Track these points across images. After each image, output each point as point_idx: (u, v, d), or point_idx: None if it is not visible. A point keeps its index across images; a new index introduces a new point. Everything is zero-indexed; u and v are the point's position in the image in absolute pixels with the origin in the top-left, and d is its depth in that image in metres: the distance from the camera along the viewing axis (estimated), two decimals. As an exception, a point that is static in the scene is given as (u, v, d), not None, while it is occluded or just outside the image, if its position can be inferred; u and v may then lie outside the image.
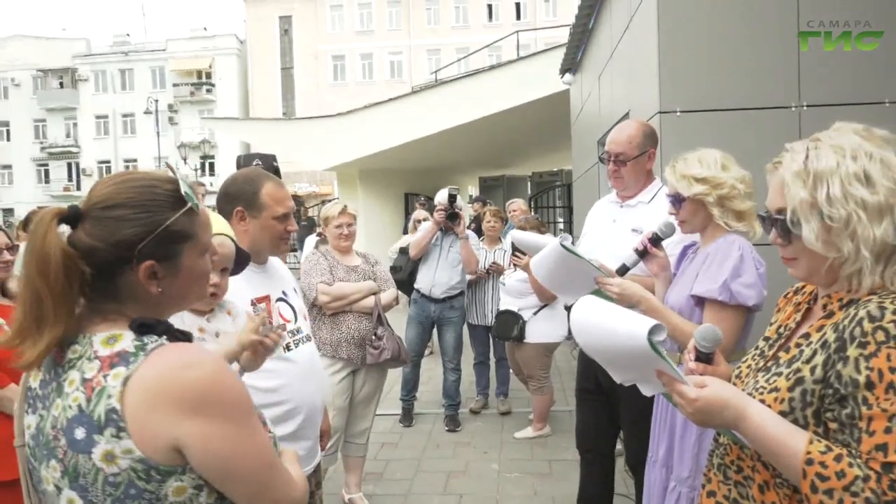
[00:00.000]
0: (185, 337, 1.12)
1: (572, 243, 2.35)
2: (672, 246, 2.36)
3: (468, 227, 5.31)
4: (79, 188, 40.67)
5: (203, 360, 1.03)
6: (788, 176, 1.21)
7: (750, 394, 1.26)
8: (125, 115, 40.65)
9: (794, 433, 1.14)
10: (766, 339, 1.41)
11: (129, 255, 1.05)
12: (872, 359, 1.09)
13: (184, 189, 1.11)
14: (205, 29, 42.43)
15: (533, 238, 2.83)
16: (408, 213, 12.91)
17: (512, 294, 4.92)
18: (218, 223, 1.72)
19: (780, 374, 1.23)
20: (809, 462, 1.09)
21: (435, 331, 5.42)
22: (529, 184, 17.64)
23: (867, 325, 1.11)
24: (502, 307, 5.03)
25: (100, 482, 0.99)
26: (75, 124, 41.51)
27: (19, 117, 41.36)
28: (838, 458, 1.08)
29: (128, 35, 43.73)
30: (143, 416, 0.98)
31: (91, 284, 1.06)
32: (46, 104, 40.91)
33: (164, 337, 1.08)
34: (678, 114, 3.20)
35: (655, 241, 2.26)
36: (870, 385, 1.08)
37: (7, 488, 2.34)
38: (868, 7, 2.96)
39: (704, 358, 1.37)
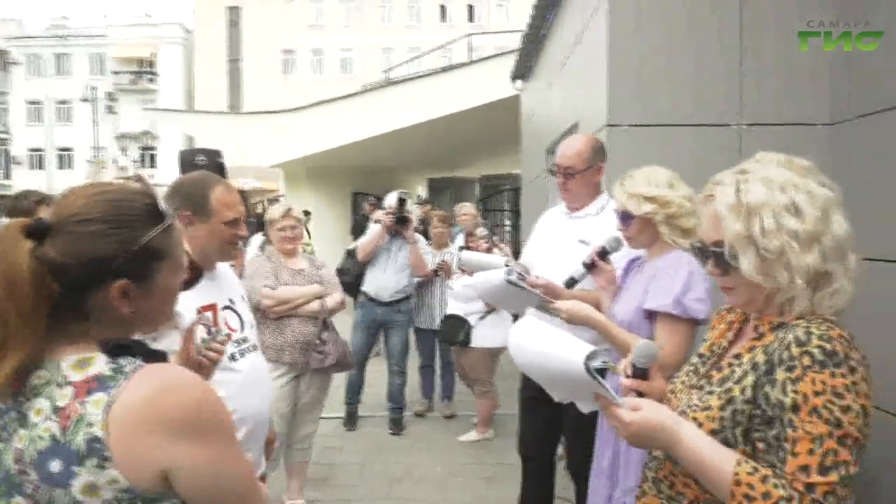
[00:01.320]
0: (160, 357, 1.06)
1: (512, 273, 2.43)
2: (617, 259, 2.41)
3: (416, 230, 5.30)
4: (8, 177, 38.72)
5: (187, 382, 0.99)
6: (723, 209, 1.25)
7: (683, 411, 1.29)
8: (60, 102, 38.92)
9: (724, 455, 1.19)
10: (700, 355, 1.44)
11: (103, 273, 0.99)
12: (799, 383, 1.13)
13: (161, 204, 1.06)
14: (148, 16, 41.10)
15: (481, 258, 2.88)
16: (355, 213, 12.80)
17: (459, 299, 4.93)
18: None
19: (712, 394, 1.27)
20: (738, 483, 1.14)
21: (381, 334, 5.39)
22: (478, 186, 17.78)
23: (794, 350, 1.15)
24: (449, 311, 5.05)
25: None
26: (5, 109, 39.51)
27: (-56, 99, 39.10)
28: (764, 480, 1.13)
29: (65, 18, 41.92)
30: (129, 442, 0.92)
31: (58, 303, 0.98)
32: (-26, 87, 38.79)
33: (140, 358, 1.02)
34: (626, 127, 3.28)
35: (603, 254, 2.31)
36: (795, 408, 1.13)
37: None
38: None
39: (640, 373, 1.40)
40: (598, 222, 2.66)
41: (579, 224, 2.73)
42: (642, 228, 2.14)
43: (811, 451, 1.11)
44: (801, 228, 1.19)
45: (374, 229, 5.16)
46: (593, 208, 2.74)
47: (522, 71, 7.44)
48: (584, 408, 1.58)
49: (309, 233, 6.72)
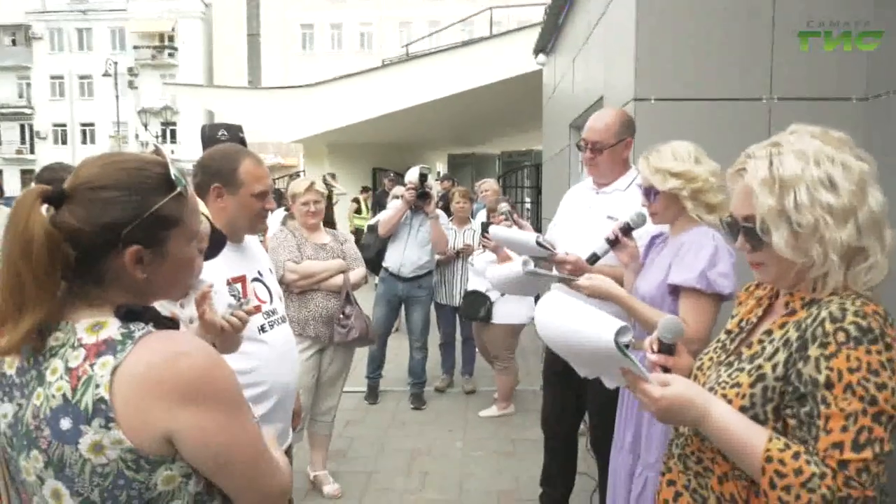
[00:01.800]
0: (172, 324, 1.09)
1: (529, 264, 2.42)
2: (639, 235, 2.39)
3: (437, 206, 5.29)
4: (32, 151, 39.25)
5: (194, 348, 1.01)
6: (755, 184, 1.22)
7: (712, 387, 1.29)
8: (82, 77, 39.20)
9: (755, 431, 1.18)
10: (728, 332, 1.43)
11: (115, 238, 1.02)
12: (833, 359, 1.12)
13: (173, 173, 1.08)
14: (168, -10, 40.98)
15: (510, 234, 2.84)
16: (376, 189, 12.81)
17: (480, 274, 4.93)
18: None
19: (742, 370, 1.25)
20: (769, 460, 1.13)
21: (402, 309, 5.42)
22: (499, 163, 17.65)
23: (829, 326, 1.14)
24: (470, 287, 5.05)
25: (87, 473, 0.97)
26: (29, 84, 39.89)
27: (-32, 75, 39.53)
28: (796, 456, 1.12)
29: (86, -8, 41.97)
30: (133, 405, 0.96)
31: (74, 268, 1.02)
32: (-2, 62, 39.17)
33: (151, 324, 1.05)
34: (653, 101, 3.21)
35: (626, 230, 2.29)
36: (829, 385, 1.12)
37: None
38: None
39: (666, 349, 1.39)
40: (627, 197, 2.63)
41: (608, 199, 2.70)
42: (667, 204, 2.12)
43: (844, 428, 1.10)
44: (836, 202, 1.17)
45: (395, 204, 5.15)
46: (622, 183, 2.71)
47: (545, 45, 7.32)
48: (611, 383, 1.60)
49: (330, 199, 6.48)
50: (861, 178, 1.19)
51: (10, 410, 1.04)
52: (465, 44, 12.24)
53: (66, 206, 1.01)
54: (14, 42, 39.66)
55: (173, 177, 1.07)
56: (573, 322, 1.45)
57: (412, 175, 5.07)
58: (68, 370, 0.98)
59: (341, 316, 3.63)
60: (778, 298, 1.37)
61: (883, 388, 1.10)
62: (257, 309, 1.81)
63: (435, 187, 10.15)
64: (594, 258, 2.33)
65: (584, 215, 2.77)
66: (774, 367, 1.20)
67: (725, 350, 1.39)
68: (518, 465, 4.09)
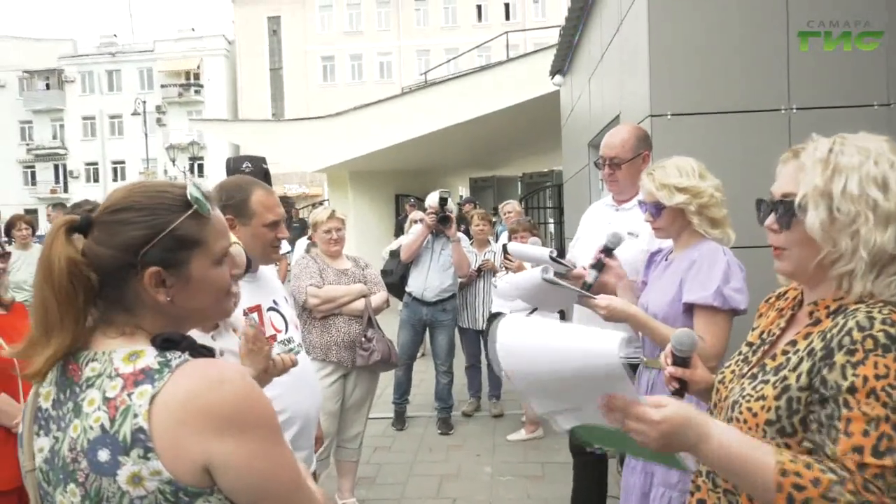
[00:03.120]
0: (208, 352, 1.07)
1: (548, 271, 2.35)
2: (636, 253, 2.44)
3: (458, 230, 5.30)
4: (66, 190, 40.36)
5: (233, 376, 0.99)
6: (809, 161, 1.21)
7: (736, 400, 1.25)
8: (112, 117, 40.38)
9: (759, 446, 1.13)
10: (750, 344, 1.40)
11: (132, 259, 1.02)
12: (860, 366, 1.08)
13: (191, 192, 1.07)
14: (193, 29, 42.27)
15: (525, 249, 2.83)
16: (398, 215, 12.89)
17: (503, 297, 4.90)
18: None
19: (766, 382, 1.22)
20: (784, 473, 1.07)
21: (427, 334, 5.41)
22: (520, 184, 17.67)
23: (857, 335, 1.10)
24: (494, 309, 5.03)
25: None
26: (62, 126, 41.20)
27: (5, 119, 40.99)
28: (809, 466, 1.08)
29: (115, 36, 43.47)
30: (172, 435, 0.94)
31: (100, 293, 1.03)
32: (32, 105, 40.58)
33: (187, 353, 1.03)
34: (669, 117, 3.20)
35: (607, 252, 2.30)
36: (852, 389, 1.08)
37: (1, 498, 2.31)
38: (868, 7, 2.95)
39: (681, 362, 1.36)
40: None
41: (628, 216, 2.68)
42: (672, 219, 2.12)
43: (865, 433, 1.06)
44: (883, 203, 1.15)
45: (416, 229, 5.18)
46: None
47: (561, 66, 7.36)
48: (563, 423, 1.31)
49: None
50: None
51: (47, 444, 1.02)
52: (483, 68, 12.34)
53: (92, 232, 1.03)
54: (48, 86, 41.09)
55: (189, 196, 1.06)
56: (558, 341, 1.17)
57: (432, 199, 5.10)
58: (106, 400, 0.97)
59: (363, 339, 3.64)
60: (801, 309, 1.33)
61: None
62: (272, 339, 1.83)
63: (455, 211, 10.17)
64: (587, 287, 2.30)
65: (604, 232, 2.74)
66: (798, 378, 1.17)
67: (748, 362, 1.36)
68: (548, 489, 4.02)
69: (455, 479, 4.27)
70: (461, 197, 14.76)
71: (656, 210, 2.13)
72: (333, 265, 3.73)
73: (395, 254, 5.44)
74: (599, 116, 4.93)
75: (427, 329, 5.28)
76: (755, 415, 1.19)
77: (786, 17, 3.14)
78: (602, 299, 2.17)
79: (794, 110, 3.15)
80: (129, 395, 0.96)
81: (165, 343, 1.02)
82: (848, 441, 1.07)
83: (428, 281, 5.09)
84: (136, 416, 0.94)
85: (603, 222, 2.79)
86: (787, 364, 1.22)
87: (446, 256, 5.09)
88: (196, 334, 1.70)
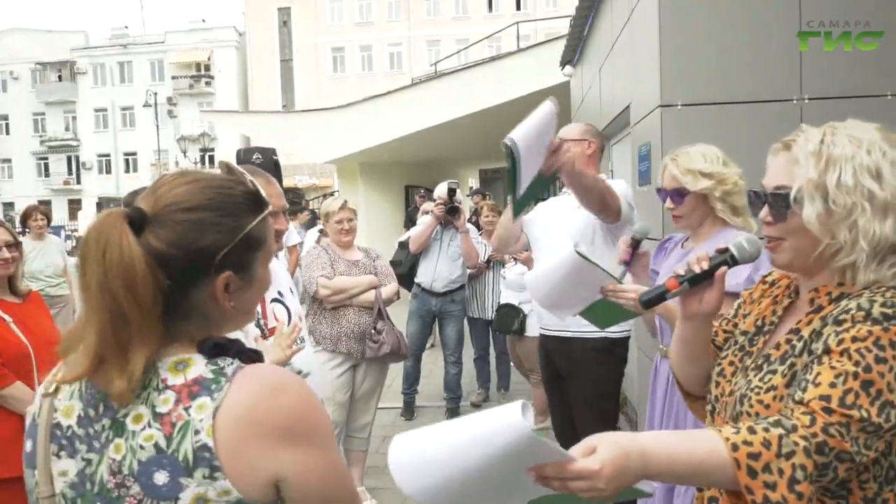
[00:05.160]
0: (257, 357, 0.99)
1: (580, 246, 2.33)
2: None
3: (468, 221, 5.31)
4: (78, 182, 40.69)
5: (290, 383, 0.94)
6: (802, 154, 1.20)
7: (745, 394, 1.22)
8: (124, 109, 40.58)
9: (700, 437, 1.07)
10: (745, 332, 1.37)
11: (208, 264, 0.93)
12: (843, 333, 1.09)
13: (261, 191, 1.01)
14: (203, 21, 42.33)
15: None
16: (408, 206, 12.90)
17: (513, 287, 4.91)
18: None
19: (774, 372, 1.20)
20: (735, 448, 1.01)
21: (436, 324, 5.43)
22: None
23: (854, 313, 1.10)
24: (503, 301, 5.04)
25: None
26: (74, 118, 41.46)
27: (18, 111, 41.31)
28: (752, 431, 1.03)
29: (126, 28, 43.60)
30: (239, 451, 0.87)
31: (165, 299, 0.91)
32: (45, 97, 40.84)
33: (237, 359, 0.95)
34: (679, 107, 3.19)
35: (635, 245, 2.21)
36: (828, 350, 1.09)
37: (8, 485, 2.35)
38: (868, 7, 2.95)
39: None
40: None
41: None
42: (695, 206, 2.09)
43: (833, 384, 1.04)
44: (879, 193, 1.14)
45: (425, 220, 5.19)
46: None
47: (571, 56, 7.33)
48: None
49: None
50: None
51: (73, 467, 0.93)
52: (493, 59, 12.30)
53: (149, 230, 0.91)
54: (60, 78, 41.33)
55: (261, 195, 1.00)
56: (457, 437, 1.02)
57: (441, 190, 5.10)
58: (157, 416, 0.88)
59: (373, 331, 3.66)
60: (798, 297, 1.32)
61: (881, 362, 1.04)
62: (272, 331, 1.87)
63: (466, 202, 10.16)
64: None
65: (557, 212, 2.97)
66: (803, 362, 1.16)
67: (747, 353, 1.33)
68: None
69: (464, 468, 4.29)
70: (471, 188, 14.74)
71: (679, 197, 2.10)
72: (345, 256, 3.74)
73: (403, 245, 5.46)
74: (610, 107, 4.91)
75: (436, 320, 5.30)
76: (768, 407, 1.17)
77: (798, 7, 3.11)
78: (631, 288, 2.14)
79: (807, 100, 3.13)
80: (185, 409, 0.88)
81: (215, 348, 0.94)
82: (815, 390, 1.06)
83: (437, 272, 5.10)
84: (197, 432, 0.86)
85: (557, 205, 3.02)
86: (792, 351, 1.21)
87: (455, 247, 5.09)
88: None
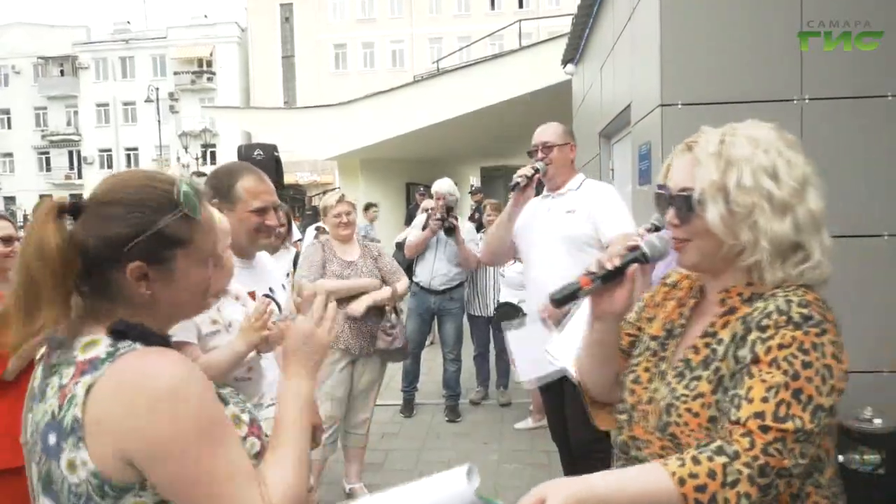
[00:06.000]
0: (162, 342, 1.07)
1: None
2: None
3: (469, 219, 5.32)
4: (80, 176, 40.66)
5: (165, 370, 0.98)
6: (703, 156, 1.21)
7: (671, 403, 1.20)
8: (126, 104, 40.53)
9: (648, 472, 1.08)
10: (655, 337, 1.35)
11: (117, 253, 1.02)
12: (769, 340, 1.10)
13: (183, 191, 1.07)
14: (205, 16, 42.26)
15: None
16: (409, 204, 12.90)
17: (512, 286, 4.92)
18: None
19: (699, 378, 1.19)
20: (682, 482, 1.03)
21: (435, 322, 5.44)
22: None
23: (775, 317, 1.12)
24: (502, 299, 5.05)
25: (66, 491, 0.98)
26: (76, 112, 41.43)
27: (20, 105, 41.28)
28: (697, 461, 1.04)
29: (128, 23, 43.56)
30: (97, 425, 0.95)
31: (85, 281, 1.04)
32: (47, 92, 40.81)
33: (138, 343, 1.02)
34: (679, 106, 3.19)
35: (657, 231, 2.14)
36: (756, 360, 1.10)
37: (19, 475, 2.36)
38: (868, 7, 2.95)
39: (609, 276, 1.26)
40: (580, 195, 2.98)
41: (563, 200, 3.01)
42: None
43: (765, 399, 1.06)
44: (777, 193, 1.17)
45: (421, 222, 5.20)
46: (574, 184, 3.05)
47: (573, 55, 7.32)
48: None
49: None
50: (804, 177, 1.20)
51: (30, 422, 1.06)
52: (495, 57, 12.30)
53: (81, 218, 1.04)
54: (62, 73, 41.30)
55: (179, 195, 1.07)
56: None
57: (440, 186, 5.12)
58: (60, 387, 0.99)
59: (387, 325, 3.74)
60: (704, 297, 1.31)
61: (808, 367, 1.07)
62: (290, 318, 1.87)
63: (466, 200, 10.12)
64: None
65: (544, 217, 3.03)
66: (728, 366, 1.16)
67: (661, 358, 1.31)
68: (553, 477, 4.04)
69: (462, 465, 4.30)
70: (472, 186, 14.75)
71: None
72: (341, 255, 3.72)
73: (400, 246, 5.47)
74: (611, 106, 4.91)
75: (435, 318, 5.31)
76: (696, 415, 1.17)
77: (800, 7, 3.10)
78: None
79: (807, 100, 3.12)
80: (75, 384, 0.98)
81: (117, 332, 1.02)
82: (750, 407, 1.07)
83: (435, 270, 5.11)
84: (75, 405, 0.96)
85: (542, 210, 3.06)
86: (714, 356, 1.20)
87: (452, 246, 5.10)
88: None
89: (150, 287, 1.05)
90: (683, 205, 1.22)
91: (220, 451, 1.00)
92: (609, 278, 1.25)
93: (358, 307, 3.64)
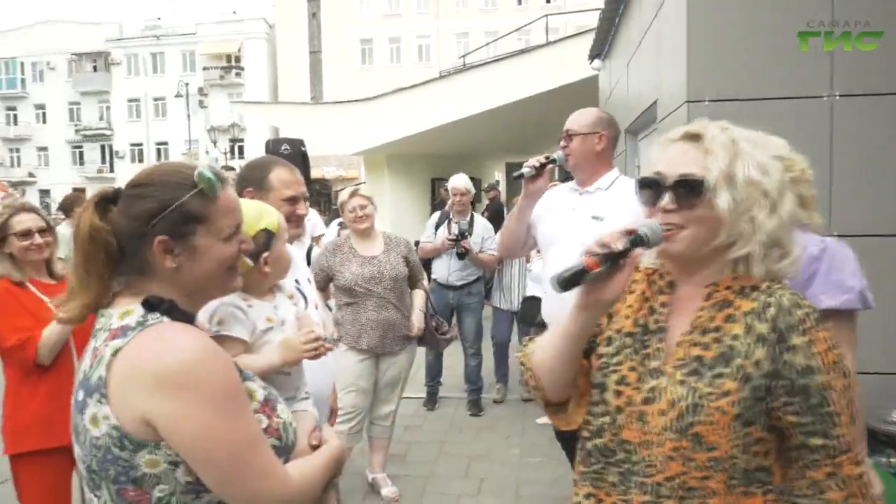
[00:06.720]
0: (186, 318, 1.18)
1: None
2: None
3: (482, 213, 5.38)
4: (112, 170, 41.46)
5: (187, 343, 1.10)
6: (716, 145, 1.23)
7: (696, 403, 1.19)
8: (156, 99, 41.21)
9: None
10: (630, 334, 1.30)
11: (144, 228, 1.15)
12: (815, 344, 1.17)
13: (200, 173, 1.19)
14: (234, 13, 42.69)
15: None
16: (434, 199, 12.93)
17: (538, 281, 4.92)
18: (256, 212, 1.75)
19: (721, 376, 1.19)
20: None
21: (455, 318, 5.47)
22: (556, 169, 17.51)
23: (798, 313, 1.18)
24: (528, 293, 5.06)
25: (88, 442, 1.09)
26: (108, 107, 42.23)
27: (55, 100, 42.23)
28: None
29: (159, 19, 44.23)
30: (120, 386, 1.06)
31: (121, 258, 1.17)
32: (81, 87, 41.66)
33: (166, 316, 1.14)
34: (707, 103, 3.17)
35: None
36: (811, 370, 1.17)
37: (55, 455, 2.45)
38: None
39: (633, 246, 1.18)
40: (610, 196, 2.67)
41: (591, 199, 2.71)
42: None
43: (840, 424, 1.17)
44: (770, 189, 1.22)
45: (432, 230, 5.35)
46: (604, 182, 2.73)
47: (600, 50, 7.28)
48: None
49: None
50: (784, 177, 1.26)
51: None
52: (522, 52, 12.24)
53: (118, 205, 1.18)
54: (95, 68, 42.11)
55: (196, 177, 1.18)
56: None
57: (456, 182, 5.19)
58: (94, 349, 1.13)
59: (439, 323, 4.10)
60: (674, 291, 1.30)
61: (843, 358, 1.20)
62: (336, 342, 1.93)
63: (482, 198, 10.18)
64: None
65: (567, 217, 2.74)
66: (758, 364, 1.18)
67: (647, 356, 1.27)
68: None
69: (484, 459, 4.34)
70: (497, 182, 14.74)
71: None
72: (362, 251, 3.71)
73: (418, 244, 5.56)
74: (637, 102, 4.89)
75: (454, 313, 5.34)
76: (725, 413, 1.17)
77: (831, 4, 3.06)
78: None
79: (837, 97, 3.08)
80: (105, 346, 1.10)
81: (147, 305, 1.14)
82: (834, 442, 1.18)
83: (451, 266, 5.19)
84: (102, 365, 1.09)
85: (566, 207, 2.79)
86: (732, 352, 1.20)
87: (469, 244, 5.14)
88: (260, 304, 1.77)
89: (175, 260, 1.17)
90: (689, 189, 1.22)
91: (239, 421, 1.11)
92: (614, 262, 1.16)
93: (419, 323, 3.86)
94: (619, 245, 1.15)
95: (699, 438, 1.18)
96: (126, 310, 1.14)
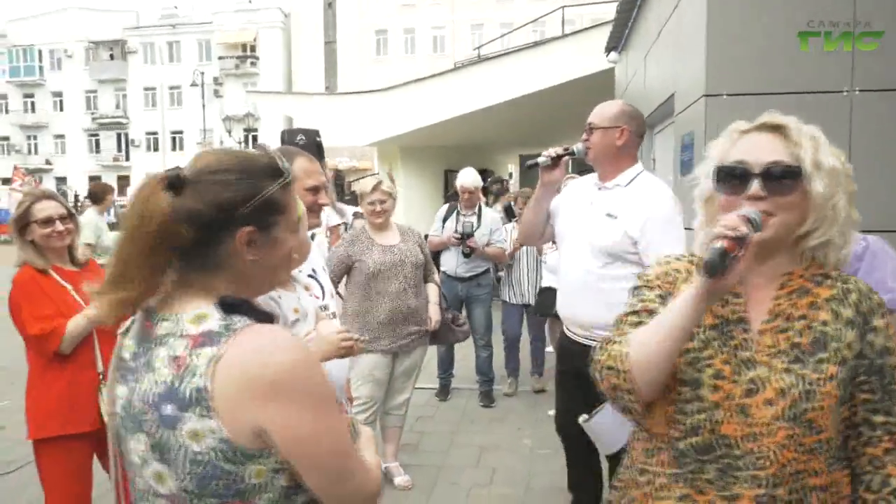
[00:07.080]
0: (268, 318, 1.12)
1: None
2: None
3: (487, 204, 5.44)
4: (127, 158, 41.85)
5: (288, 345, 1.04)
6: (804, 137, 1.25)
7: (809, 390, 1.21)
8: (172, 88, 41.47)
9: None
10: (714, 326, 1.28)
11: (230, 218, 1.07)
12: (890, 328, 1.25)
13: (282, 163, 1.16)
14: (250, 2, 42.77)
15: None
16: (447, 191, 12.93)
17: (554, 271, 4.93)
18: None
19: (821, 361, 1.23)
20: None
21: (464, 310, 5.50)
22: (571, 162, 17.44)
23: (876, 298, 1.27)
24: (544, 284, 5.06)
25: (184, 459, 1.02)
26: (125, 96, 42.56)
27: (72, 88, 42.60)
28: None
29: (175, 8, 44.41)
30: (228, 397, 1.00)
31: (188, 251, 1.07)
32: (97, 75, 42.02)
33: (248, 317, 1.08)
34: (725, 97, 3.15)
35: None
36: (895, 351, 1.25)
37: (76, 441, 2.51)
38: (868, 7, 2.91)
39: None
40: (628, 193, 2.63)
41: (609, 196, 2.67)
42: None
43: None
44: (845, 177, 1.27)
45: (440, 223, 5.37)
46: (623, 179, 2.67)
47: (616, 43, 7.23)
48: None
49: None
50: (847, 168, 1.29)
51: (124, 393, 1.10)
52: (537, 44, 12.16)
53: (186, 190, 1.07)
54: (112, 57, 42.42)
55: (281, 167, 1.15)
56: None
57: (464, 179, 5.21)
58: (173, 359, 1.03)
59: (454, 317, 4.14)
60: (741, 281, 1.25)
61: None
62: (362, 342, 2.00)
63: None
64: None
65: (584, 211, 2.72)
66: (850, 346, 1.24)
67: (737, 347, 1.25)
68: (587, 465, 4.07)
69: (495, 450, 4.37)
70: (511, 175, 14.70)
71: None
72: (380, 241, 3.75)
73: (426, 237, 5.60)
74: (654, 95, 4.86)
75: (463, 305, 5.36)
76: (833, 396, 1.22)
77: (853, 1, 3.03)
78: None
79: (857, 92, 3.06)
80: (192, 354, 1.02)
81: (227, 307, 1.07)
82: None
83: (459, 258, 5.21)
84: (198, 375, 1.01)
85: (585, 201, 2.76)
86: (826, 337, 1.25)
87: (476, 236, 5.16)
88: (287, 295, 1.80)
89: (255, 253, 1.10)
90: (783, 176, 1.23)
91: (336, 425, 1.09)
92: (742, 246, 1.14)
93: (436, 316, 3.94)
94: (744, 230, 1.14)
95: (811, 423, 1.21)
96: (200, 313, 1.07)
